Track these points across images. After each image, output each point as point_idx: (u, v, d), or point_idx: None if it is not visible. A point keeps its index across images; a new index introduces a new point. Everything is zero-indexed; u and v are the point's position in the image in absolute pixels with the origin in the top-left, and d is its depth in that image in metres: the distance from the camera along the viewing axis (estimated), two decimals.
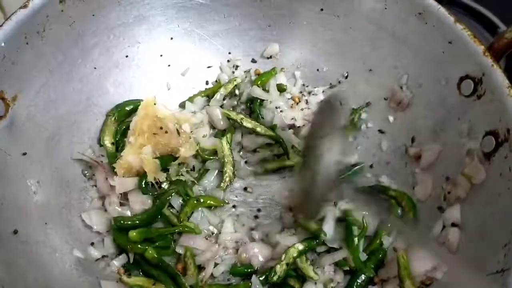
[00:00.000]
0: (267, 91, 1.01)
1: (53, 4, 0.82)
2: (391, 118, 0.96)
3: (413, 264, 0.77)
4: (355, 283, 0.81)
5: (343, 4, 0.97)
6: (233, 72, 1.04)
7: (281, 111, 1.00)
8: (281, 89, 1.02)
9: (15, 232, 0.70)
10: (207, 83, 1.05)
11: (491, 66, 0.79)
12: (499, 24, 1.31)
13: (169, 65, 1.01)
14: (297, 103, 1.02)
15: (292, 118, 0.99)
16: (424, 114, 0.91)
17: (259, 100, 1.00)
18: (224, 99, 1.01)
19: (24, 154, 0.78)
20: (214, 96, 1.00)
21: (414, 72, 0.93)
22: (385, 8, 0.93)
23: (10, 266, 0.65)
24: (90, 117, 0.92)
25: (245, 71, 1.05)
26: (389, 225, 0.85)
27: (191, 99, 1.00)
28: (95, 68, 0.92)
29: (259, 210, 0.92)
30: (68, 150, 0.87)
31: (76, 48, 0.88)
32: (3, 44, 0.74)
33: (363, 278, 0.81)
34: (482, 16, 1.35)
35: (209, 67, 1.05)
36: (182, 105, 1.00)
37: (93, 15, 0.89)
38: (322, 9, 0.99)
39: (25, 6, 0.78)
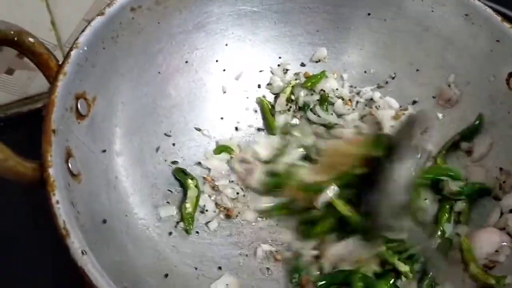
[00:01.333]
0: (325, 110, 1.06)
1: (126, 12, 0.87)
2: (440, 115, 1.01)
3: (475, 248, 0.81)
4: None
5: (390, 8, 1.02)
6: (284, 74, 1.09)
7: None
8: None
9: (104, 221, 0.75)
10: (259, 86, 1.10)
11: None
12: None
13: (224, 70, 1.06)
14: (348, 104, 1.07)
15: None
16: (473, 110, 0.96)
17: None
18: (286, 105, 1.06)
19: (104, 151, 0.83)
20: (277, 102, 1.06)
21: (462, 71, 0.98)
22: (432, 11, 0.98)
23: (102, 250, 0.68)
24: (155, 119, 0.96)
25: (295, 73, 1.10)
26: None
27: None
28: (159, 72, 0.97)
29: None
30: (139, 149, 0.91)
31: (144, 53, 0.93)
32: (85, 48, 0.79)
33: None
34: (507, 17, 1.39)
35: (261, 71, 1.10)
36: None
37: (159, 22, 0.94)
38: (369, 14, 1.05)
39: (102, 14, 0.83)
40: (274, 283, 0.86)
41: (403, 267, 0.83)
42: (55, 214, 0.62)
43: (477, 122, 0.94)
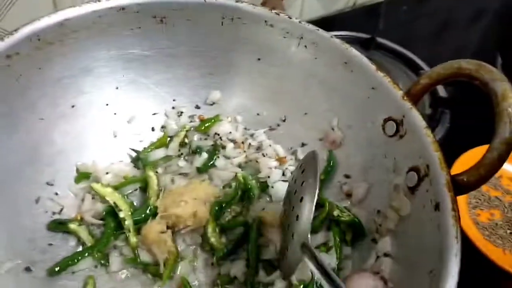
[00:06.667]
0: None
1: (0, 60, 0.84)
2: (325, 157, 1.05)
3: None
4: None
5: (277, 55, 1.05)
6: (179, 117, 1.09)
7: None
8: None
9: None
10: (153, 129, 1.09)
11: (409, 109, 0.89)
12: (423, 65, 1.50)
13: (115, 113, 1.05)
14: (240, 147, 1.08)
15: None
16: (355, 153, 1.00)
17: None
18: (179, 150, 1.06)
19: None
20: (170, 146, 1.05)
21: (344, 115, 1.02)
22: (315, 58, 1.02)
23: None
24: (38, 167, 0.93)
25: (189, 116, 1.11)
26: None
27: (145, 153, 1.04)
28: (41, 119, 0.94)
29: None
30: (12, 201, 0.87)
31: (22, 101, 0.90)
32: None
33: None
34: (407, 58, 1.56)
35: (154, 114, 1.10)
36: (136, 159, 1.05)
37: (40, 68, 0.91)
38: (259, 59, 1.07)
39: None
40: None
41: None
42: None
43: (330, 160, 1.03)
